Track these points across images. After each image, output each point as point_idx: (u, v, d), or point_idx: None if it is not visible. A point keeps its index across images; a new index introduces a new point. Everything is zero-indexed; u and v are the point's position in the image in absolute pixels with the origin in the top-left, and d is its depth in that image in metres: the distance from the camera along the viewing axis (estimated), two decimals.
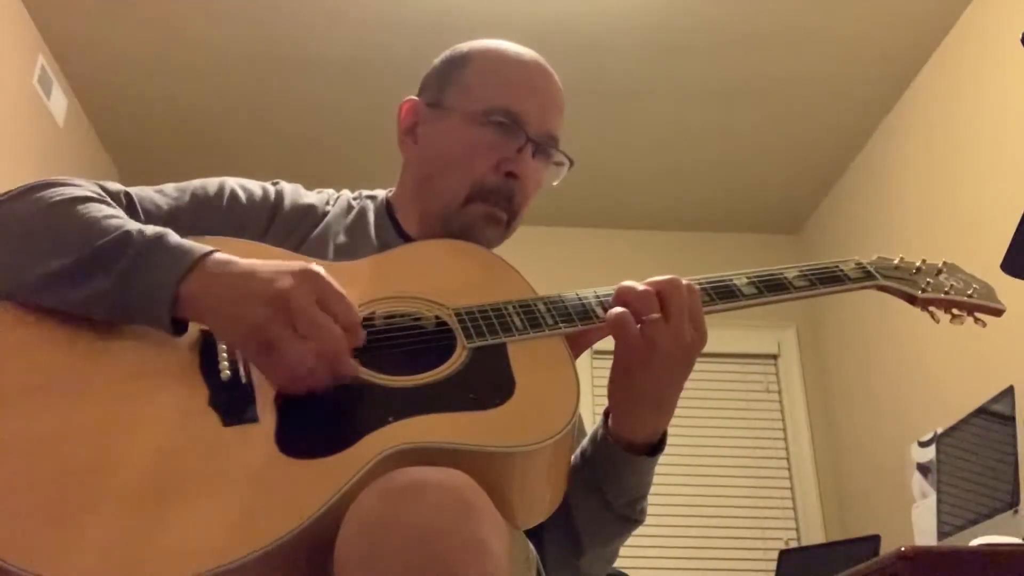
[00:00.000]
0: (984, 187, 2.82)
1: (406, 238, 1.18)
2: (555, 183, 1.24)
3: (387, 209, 1.22)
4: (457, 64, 1.22)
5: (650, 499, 1.09)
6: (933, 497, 2.68)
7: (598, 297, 1.04)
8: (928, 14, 2.97)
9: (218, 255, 0.91)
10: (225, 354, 0.90)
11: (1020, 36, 1.65)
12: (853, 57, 3.15)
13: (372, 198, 1.24)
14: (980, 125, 2.87)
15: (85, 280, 0.90)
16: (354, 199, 1.23)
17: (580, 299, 1.04)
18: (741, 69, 3.21)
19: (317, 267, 0.89)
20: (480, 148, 1.15)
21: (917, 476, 2.95)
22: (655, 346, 0.96)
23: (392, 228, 1.19)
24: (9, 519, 0.74)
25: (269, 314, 0.85)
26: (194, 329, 0.92)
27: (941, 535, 2.53)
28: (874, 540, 2.81)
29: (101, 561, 0.72)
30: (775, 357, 3.90)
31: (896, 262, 1.17)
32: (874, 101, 3.35)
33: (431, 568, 0.69)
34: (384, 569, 0.70)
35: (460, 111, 1.18)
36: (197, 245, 0.92)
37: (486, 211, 1.15)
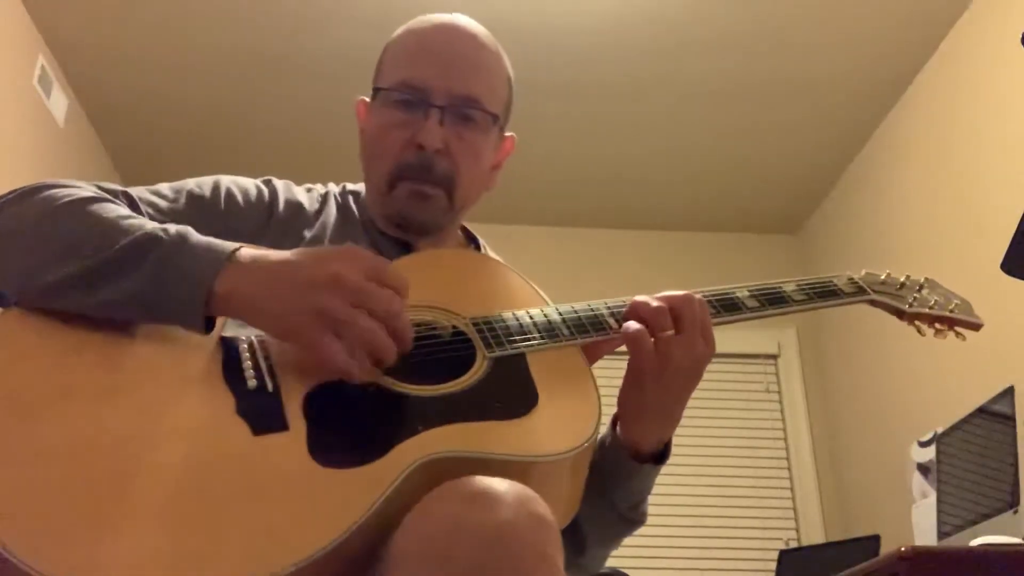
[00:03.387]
0: (984, 187, 2.82)
1: (386, 235, 1.18)
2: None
3: (368, 206, 1.23)
4: (382, 55, 1.22)
5: (651, 498, 1.10)
6: (933, 497, 2.68)
7: (609, 308, 1.05)
8: (928, 14, 2.97)
9: (246, 250, 0.91)
10: (250, 362, 0.89)
11: (1020, 36, 1.65)
12: (853, 57, 3.15)
13: (356, 194, 1.24)
14: (980, 125, 2.87)
15: (110, 281, 0.89)
16: (340, 194, 1.23)
17: (592, 310, 1.05)
18: (741, 69, 3.21)
19: (352, 246, 0.92)
20: (390, 129, 1.15)
21: (917, 476, 2.95)
22: (669, 360, 0.98)
23: (373, 225, 1.19)
24: (40, 529, 0.73)
25: (329, 296, 0.85)
26: (212, 337, 0.91)
27: (941, 535, 2.53)
28: (874, 540, 2.81)
29: (131, 571, 0.72)
30: (775, 357, 3.90)
31: (883, 277, 1.21)
32: (874, 101, 3.35)
33: (503, 574, 0.70)
34: (455, 567, 0.70)
35: (378, 100, 1.18)
36: (223, 242, 0.92)
37: (409, 189, 1.13)
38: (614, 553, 1.15)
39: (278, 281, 0.88)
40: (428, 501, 0.76)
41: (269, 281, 0.88)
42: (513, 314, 1.02)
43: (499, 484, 0.76)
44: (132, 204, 1.06)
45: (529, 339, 0.99)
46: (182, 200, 1.10)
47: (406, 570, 0.72)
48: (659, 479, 1.09)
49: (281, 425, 0.84)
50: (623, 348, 1.01)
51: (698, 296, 1.02)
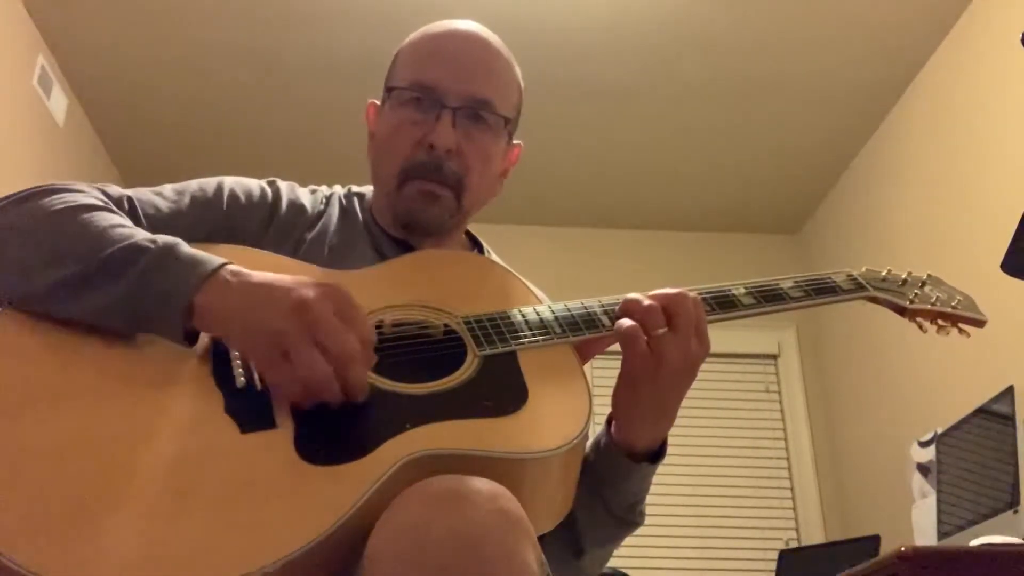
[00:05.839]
0: (984, 187, 2.82)
1: (389, 236, 1.18)
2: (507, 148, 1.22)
3: (372, 208, 1.23)
4: (394, 58, 1.22)
5: (651, 499, 1.09)
6: (933, 497, 2.68)
7: (603, 306, 1.04)
8: (928, 14, 2.97)
9: (232, 266, 0.91)
10: (239, 361, 0.90)
11: (1020, 36, 1.65)
12: (853, 57, 3.15)
13: (360, 196, 1.24)
14: (980, 125, 2.87)
15: (94, 289, 0.89)
16: (344, 196, 1.23)
17: (586, 308, 1.04)
18: (741, 69, 3.21)
19: (338, 283, 0.90)
20: (402, 128, 1.15)
21: (917, 476, 2.95)
22: (663, 359, 0.97)
23: (376, 227, 1.19)
24: (27, 527, 0.74)
25: (288, 322, 0.85)
26: (205, 336, 0.92)
27: (941, 535, 2.53)
28: (874, 540, 2.81)
29: (119, 569, 0.72)
30: (775, 357, 3.90)
31: (884, 274, 1.20)
32: (874, 101, 3.36)
33: (470, 574, 0.70)
34: (422, 572, 0.70)
35: (390, 100, 1.19)
36: (209, 256, 0.92)
37: (418, 188, 1.13)
38: (614, 553, 1.15)
39: (250, 298, 0.88)
40: (398, 503, 0.75)
41: (243, 299, 0.88)
42: (505, 312, 1.02)
43: (467, 483, 0.75)
44: (133, 207, 1.06)
45: (520, 337, 0.99)
46: (184, 201, 1.10)
47: (378, 572, 0.72)
48: (659, 479, 1.09)
49: (269, 423, 0.84)
50: (617, 347, 1.01)
51: (692, 294, 1.01)
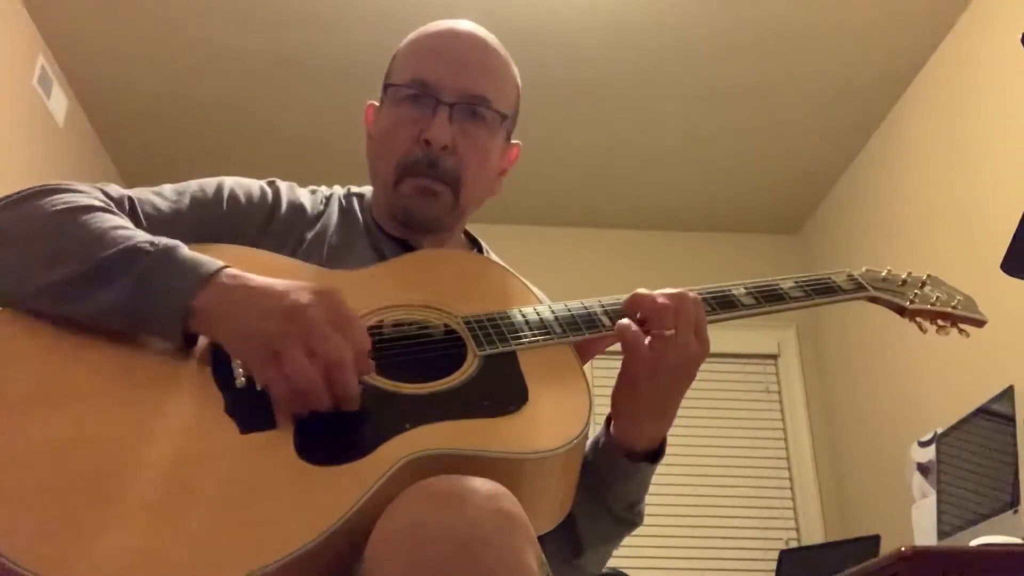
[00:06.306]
0: (984, 187, 2.82)
1: (389, 236, 1.18)
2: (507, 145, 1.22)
3: (372, 207, 1.23)
4: (392, 58, 1.23)
5: (651, 499, 1.10)
6: (933, 497, 2.68)
7: (603, 306, 1.05)
8: (928, 14, 2.97)
9: (230, 270, 0.91)
10: (240, 361, 0.90)
11: (1020, 36, 1.66)
12: (853, 58, 3.15)
13: (360, 196, 1.24)
14: (980, 125, 2.87)
15: (94, 291, 0.89)
16: (344, 197, 1.23)
17: (586, 308, 1.05)
18: (741, 70, 3.21)
19: (334, 289, 0.89)
20: (399, 125, 1.15)
21: (917, 476, 2.95)
22: (663, 359, 0.98)
23: (376, 227, 1.20)
24: (27, 526, 0.74)
25: (281, 327, 0.85)
26: (204, 337, 0.92)
27: (941, 535, 2.53)
28: (874, 540, 2.81)
29: (120, 569, 0.72)
30: (775, 357, 3.90)
31: (884, 274, 1.20)
32: (874, 101, 3.36)
33: (470, 574, 0.70)
34: (421, 572, 0.70)
35: (387, 98, 1.19)
36: (208, 259, 0.92)
37: (415, 184, 1.14)
38: (614, 553, 1.15)
39: (245, 302, 0.88)
40: (398, 503, 0.75)
41: (240, 303, 0.88)
42: (506, 312, 1.02)
43: (466, 483, 0.75)
44: (133, 207, 1.06)
45: (521, 337, 0.99)
46: (184, 201, 1.10)
47: (378, 572, 0.72)
48: (659, 479, 1.09)
49: (269, 423, 0.85)
50: (617, 347, 1.01)
51: (692, 294, 1.02)
